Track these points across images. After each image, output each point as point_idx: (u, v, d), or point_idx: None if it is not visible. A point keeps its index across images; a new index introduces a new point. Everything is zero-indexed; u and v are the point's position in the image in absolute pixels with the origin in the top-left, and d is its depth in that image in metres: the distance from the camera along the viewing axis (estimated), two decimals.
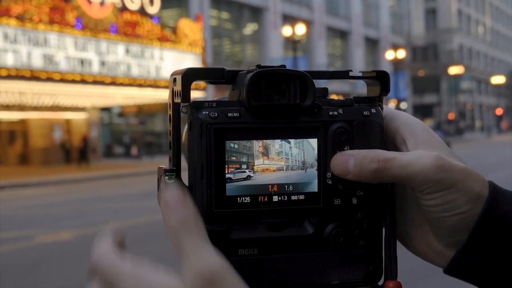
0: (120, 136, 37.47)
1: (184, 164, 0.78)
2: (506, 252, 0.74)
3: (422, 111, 71.42)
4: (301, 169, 0.76)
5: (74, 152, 31.01)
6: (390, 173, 0.74)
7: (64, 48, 23.59)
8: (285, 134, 0.76)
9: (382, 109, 0.80)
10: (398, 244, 0.82)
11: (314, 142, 0.77)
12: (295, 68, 0.81)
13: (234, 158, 0.74)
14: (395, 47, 49.52)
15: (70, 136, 31.81)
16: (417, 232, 0.81)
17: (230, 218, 0.75)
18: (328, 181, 0.77)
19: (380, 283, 0.80)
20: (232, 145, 0.74)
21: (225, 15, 40.12)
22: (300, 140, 0.76)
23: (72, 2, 24.13)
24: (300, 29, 31.71)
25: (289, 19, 39.52)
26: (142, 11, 27.39)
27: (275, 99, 0.75)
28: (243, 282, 0.63)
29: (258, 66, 0.76)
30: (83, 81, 24.42)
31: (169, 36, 28.32)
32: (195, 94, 27.89)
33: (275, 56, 39.56)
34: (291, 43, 32.92)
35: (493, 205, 0.74)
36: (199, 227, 0.63)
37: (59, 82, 23.65)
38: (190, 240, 0.62)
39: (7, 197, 17.78)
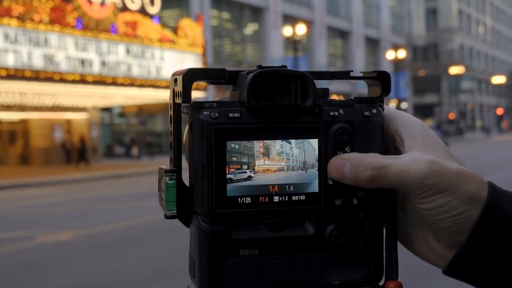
0: (120, 136, 37.47)
1: (185, 164, 0.78)
2: (506, 253, 0.74)
3: (422, 111, 71.37)
4: (302, 170, 0.76)
5: (75, 152, 31.00)
6: (385, 180, 0.74)
7: (65, 48, 23.58)
8: (286, 134, 0.76)
9: (383, 109, 0.80)
10: (399, 244, 0.82)
11: (315, 142, 0.76)
12: (296, 68, 0.81)
13: (235, 158, 0.74)
14: (396, 47, 49.48)
15: (70, 136, 31.79)
16: (417, 233, 0.81)
17: (231, 219, 0.75)
18: (329, 181, 0.77)
19: (381, 283, 0.80)
20: (233, 145, 0.74)
21: (225, 15, 40.10)
22: (301, 140, 0.76)
23: (73, 2, 24.11)
24: (301, 29, 31.69)
25: (290, 19, 39.51)
26: (142, 11, 27.37)
27: (276, 99, 0.75)
28: None
29: (259, 67, 0.76)
30: (84, 81, 24.41)
31: (169, 36, 28.31)
32: (196, 94, 27.88)
33: (276, 56, 39.54)
34: (292, 43, 32.91)
35: (492, 206, 0.74)
36: None
37: (60, 82, 23.63)
38: None
39: (7, 197, 17.78)
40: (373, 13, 56.05)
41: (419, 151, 0.77)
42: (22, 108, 29.33)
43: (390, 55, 46.33)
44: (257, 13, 41.32)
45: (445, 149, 0.79)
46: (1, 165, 30.11)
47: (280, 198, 0.76)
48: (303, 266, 0.77)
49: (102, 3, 25.47)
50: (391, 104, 45.72)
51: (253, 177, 0.75)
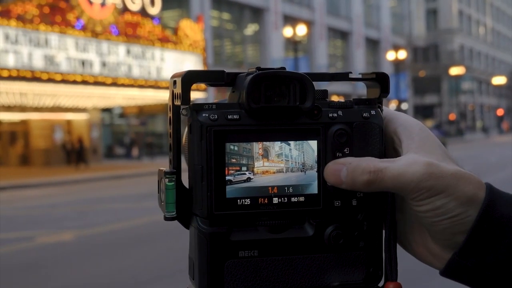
0: (121, 137, 37.46)
1: (184, 166, 0.78)
2: (503, 254, 0.74)
3: (423, 111, 71.36)
4: (301, 171, 0.76)
5: (74, 153, 30.98)
6: (382, 184, 0.74)
7: (65, 49, 23.58)
8: (285, 136, 0.76)
9: (381, 110, 0.80)
10: (398, 245, 0.82)
11: (314, 144, 0.77)
12: (296, 68, 0.81)
13: (234, 160, 0.74)
14: (396, 48, 49.48)
15: (71, 137, 31.79)
16: (415, 234, 0.81)
17: (230, 220, 0.75)
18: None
19: (381, 284, 0.81)
20: (232, 147, 0.74)
21: (226, 15, 40.11)
22: (300, 142, 0.76)
23: (73, 3, 24.12)
24: (301, 30, 31.70)
25: (290, 20, 39.52)
26: (143, 12, 27.37)
27: (274, 101, 0.75)
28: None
29: (258, 68, 0.76)
30: (84, 82, 24.41)
31: (170, 37, 28.31)
32: (196, 96, 27.90)
33: (276, 56, 39.55)
34: (292, 43, 32.91)
35: (490, 207, 0.74)
36: None
37: (60, 83, 23.63)
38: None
39: (8, 197, 17.78)
40: (373, 13, 56.06)
41: (416, 153, 0.77)
42: (22, 108, 29.34)
43: (391, 55, 46.33)
44: (257, 13, 41.32)
45: (443, 151, 0.79)
46: (2, 165, 30.11)
47: (280, 200, 0.76)
48: (302, 267, 0.77)
49: (103, 4, 25.47)
50: (392, 105, 45.72)
51: (252, 178, 0.75)
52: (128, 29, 26.37)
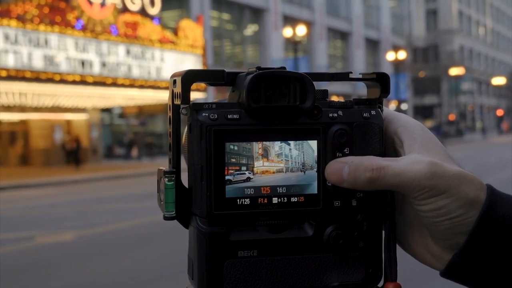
0: (120, 137, 37.46)
1: (184, 165, 0.78)
2: (504, 255, 0.74)
3: (422, 112, 71.37)
4: (301, 171, 0.76)
5: (71, 153, 30.94)
6: (384, 181, 0.74)
7: (65, 49, 23.58)
8: (284, 136, 0.76)
9: (382, 111, 0.80)
10: (397, 245, 0.82)
11: (314, 144, 0.76)
12: (296, 69, 0.81)
13: (233, 160, 0.74)
14: (396, 48, 49.48)
15: (70, 137, 31.79)
16: (415, 235, 0.81)
17: (229, 220, 0.75)
18: (328, 183, 0.77)
19: (380, 285, 0.80)
20: (232, 147, 0.74)
21: (226, 16, 40.11)
22: (300, 142, 0.76)
23: (73, 3, 24.12)
24: (301, 30, 31.70)
25: (290, 20, 39.53)
26: (142, 12, 27.37)
27: (274, 101, 0.75)
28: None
29: (258, 68, 0.76)
30: (84, 82, 24.41)
31: (169, 37, 28.31)
32: (196, 95, 27.90)
33: (276, 57, 39.55)
34: (292, 44, 32.90)
35: (491, 208, 0.74)
36: None
37: (60, 83, 23.63)
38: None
39: (8, 198, 17.78)
40: (373, 14, 56.06)
41: (419, 153, 0.77)
42: (22, 109, 29.33)
43: (390, 56, 46.33)
44: (257, 14, 41.33)
45: (445, 152, 0.79)
46: (1, 165, 30.09)
47: (279, 200, 0.76)
48: (301, 267, 0.77)
49: (103, 4, 25.47)
50: (391, 105, 45.73)
51: (252, 178, 0.75)
52: (128, 29, 26.37)
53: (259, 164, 0.75)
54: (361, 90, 46.21)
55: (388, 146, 0.80)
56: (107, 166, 30.05)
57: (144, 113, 36.94)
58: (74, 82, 24.05)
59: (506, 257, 0.74)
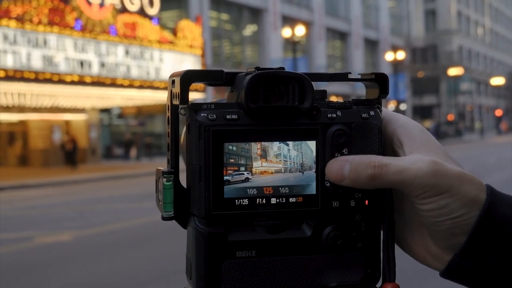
0: (119, 137, 37.44)
1: (182, 165, 0.78)
2: (504, 255, 0.74)
3: (421, 112, 71.39)
4: (299, 172, 0.76)
5: (67, 153, 30.92)
6: (386, 178, 0.74)
7: (64, 50, 23.58)
8: (283, 136, 0.76)
9: (381, 111, 0.80)
10: (396, 246, 0.82)
11: (312, 144, 0.76)
12: (295, 69, 0.81)
13: (232, 160, 0.74)
14: (395, 49, 49.51)
15: (67, 138, 31.79)
16: (414, 235, 0.81)
17: (228, 220, 0.75)
18: (327, 183, 0.77)
19: (378, 285, 0.80)
20: (230, 147, 0.74)
21: (224, 16, 40.10)
22: (299, 142, 0.76)
23: (72, 3, 24.11)
24: (300, 30, 31.70)
25: (289, 20, 39.53)
26: (141, 12, 27.36)
27: (273, 101, 0.75)
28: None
29: (257, 68, 0.76)
30: (83, 82, 24.41)
31: (168, 37, 28.31)
32: (195, 96, 27.90)
33: (275, 57, 39.54)
34: (291, 44, 32.91)
35: (491, 208, 0.74)
36: None
37: (59, 83, 23.63)
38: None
39: (7, 198, 17.77)
40: (372, 14, 56.07)
41: (420, 153, 0.77)
42: (21, 109, 29.32)
43: (389, 56, 46.33)
44: (256, 14, 41.32)
45: (444, 152, 0.79)
46: (0, 166, 30.09)
47: (278, 200, 0.76)
48: (300, 268, 0.77)
49: (101, 4, 25.47)
50: (390, 106, 45.75)
51: (250, 179, 0.74)
52: (126, 29, 26.37)
53: (258, 165, 0.75)
54: (360, 90, 46.22)
55: (387, 147, 0.80)
56: (106, 166, 30.04)
57: (143, 113, 36.93)
58: (73, 83, 24.04)
59: (506, 257, 0.74)
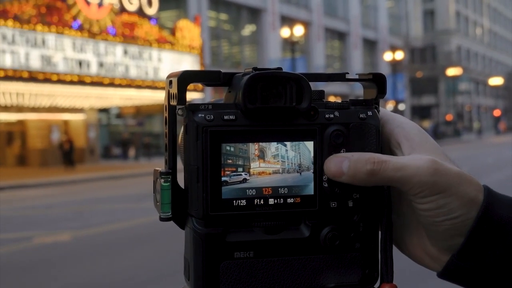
0: (118, 137, 37.43)
1: (180, 166, 0.78)
2: (501, 255, 0.74)
3: (420, 112, 71.40)
4: (297, 172, 0.76)
5: (71, 153, 30.91)
6: (385, 175, 0.73)
7: (62, 49, 23.56)
8: (281, 137, 0.75)
9: (378, 111, 0.80)
10: (394, 246, 0.82)
11: (310, 145, 0.76)
12: (293, 69, 0.81)
13: (230, 161, 0.73)
14: (393, 49, 49.52)
15: (63, 138, 31.77)
16: (412, 236, 0.81)
17: (226, 221, 0.75)
18: (324, 184, 0.76)
19: (376, 286, 0.80)
20: (228, 148, 0.73)
21: (223, 16, 40.09)
22: (296, 143, 0.76)
23: (70, 3, 24.10)
24: (299, 30, 31.69)
25: (288, 21, 39.53)
26: (140, 12, 27.35)
27: (271, 101, 0.75)
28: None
29: (255, 69, 0.76)
30: (81, 82, 24.39)
31: (167, 37, 28.30)
32: (194, 96, 27.89)
33: (274, 57, 39.54)
34: (290, 44, 32.91)
35: (489, 209, 0.74)
36: None
37: (57, 83, 23.62)
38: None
39: (5, 198, 17.75)
40: (370, 14, 56.09)
41: (418, 152, 0.76)
42: (19, 109, 29.29)
43: (388, 56, 46.33)
44: (255, 14, 41.32)
45: (442, 152, 0.79)
46: None
47: (275, 201, 0.76)
48: (298, 268, 0.77)
49: (100, 4, 25.45)
50: (389, 106, 45.76)
51: (248, 179, 0.74)
52: (125, 29, 26.36)
53: (256, 165, 0.74)
54: (359, 90, 46.11)
55: (384, 147, 0.80)
56: (104, 166, 30.02)
57: (142, 113, 36.92)
58: (71, 82, 24.03)
59: (504, 258, 0.74)
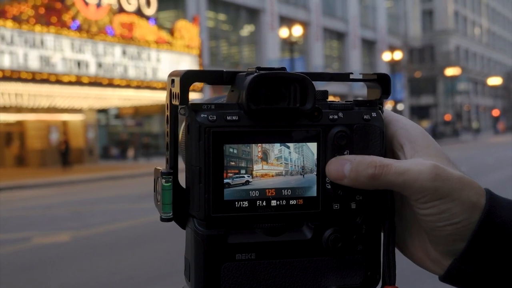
0: (117, 138, 37.42)
1: (181, 165, 0.77)
2: (504, 259, 0.73)
3: (418, 112, 71.44)
4: (300, 174, 0.75)
5: (70, 154, 30.90)
6: (387, 179, 0.73)
7: (61, 50, 23.56)
8: (284, 138, 0.75)
9: (382, 112, 0.80)
10: (396, 249, 0.81)
11: (313, 146, 0.76)
12: (292, 69, 0.80)
13: (233, 163, 0.73)
14: (392, 49, 49.53)
15: (66, 138, 31.77)
16: (414, 239, 0.80)
17: (227, 223, 0.74)
18: (327, 185, 0.76)
19: None
20: (231, 149, 0.73)
21: (222, 16, 40.10)
22: (300, 144, 0.75)
23: (69, 3, 24.09)
24: (297, 31, 31.70)
25: (286, 21, 39.55)
26: (139, 13, 27.34)
27: (275, 102, 0.74)
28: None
29: (258, 68, 0.75)
30: (80, 83, 24.39)
31: (166, 37, 28.29)
32: (192, 96, 27.84)
33: (272, 57, 39.54)
34: (288, 44, 32.91)
35: (491, 213, 0.73)
36: None
37: (56, 84, 23.61)
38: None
39: (4, 198, 17.74)
40: (369, 14, 56.11)
41: (421, 156, 0.76)
42: (18, 109, 29.28)
43: (386, 56, 46.34)
44: (253, 14, 41.33)
45: (445, 155, 0.78)
46: None
47: (278, 202, 0.75)
48: (300, 270, 0.76)
49: (98, 5, 25.45)
50: (387, 106, 45.70)
51: (250, 181, 0.74)
52: (124, 30, 26.35)
53: (258, 168, 0.74)
54: (357, 90, 46.27)
55: (386, 149, 0.80)
56: (103, 167, 30.01)
57: (141, 113, 36.91)
58: (70, 83, 24.02)
59: (506, 261, 0.73)
